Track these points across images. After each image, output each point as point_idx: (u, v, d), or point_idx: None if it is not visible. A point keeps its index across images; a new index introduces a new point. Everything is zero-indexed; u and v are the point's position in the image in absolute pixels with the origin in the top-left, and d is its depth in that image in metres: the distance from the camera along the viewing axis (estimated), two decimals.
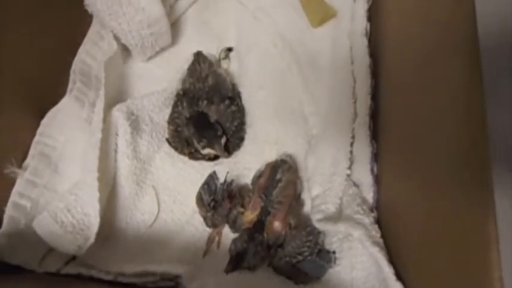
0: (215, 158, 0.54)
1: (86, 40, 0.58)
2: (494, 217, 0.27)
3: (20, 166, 0.50)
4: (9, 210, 0.48)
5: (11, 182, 0.49)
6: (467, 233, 0.29)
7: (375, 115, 0.49)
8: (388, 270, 0.37)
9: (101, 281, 0.47)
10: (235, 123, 0.54)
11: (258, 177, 0.49)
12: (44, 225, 0.47)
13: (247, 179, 0.52)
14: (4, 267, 0.47)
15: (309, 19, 0.61)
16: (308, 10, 0.61)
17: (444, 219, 0.32)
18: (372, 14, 0.54)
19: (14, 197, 0.49)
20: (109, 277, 0.47)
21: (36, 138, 0.52)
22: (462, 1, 0.33)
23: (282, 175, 0.47)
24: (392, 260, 0.39)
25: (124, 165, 0.52)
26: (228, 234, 0.49)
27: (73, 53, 0.56)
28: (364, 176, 0.46)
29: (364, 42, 0.52)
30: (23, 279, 0.47)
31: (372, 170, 0.46)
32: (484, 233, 0.27)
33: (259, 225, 0.45)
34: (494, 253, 0.26)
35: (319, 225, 0.43)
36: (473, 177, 0.29)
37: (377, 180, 0.46)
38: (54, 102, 0.53)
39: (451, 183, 0.32)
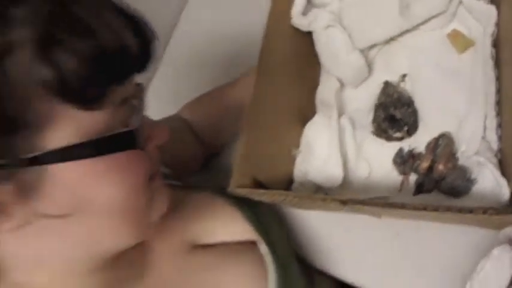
0: (401, 139, 0.90)
1: (320, 81, 1.06)
2: None
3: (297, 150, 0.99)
4: (296, 172, 0.96)
5: (294, 159, 0.98)
6: None
7: (499, 102, 0.81)
8: (500, 178, 0.71)
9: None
10: (412, 119, 0.90)
11: (428, 145, 0.85)
12: (314, 177, 0.94)
13: (421, 149, 0.89)
14: None
15: (456, 49, 0.95)
16: (455, 43, 0.95)
17: None
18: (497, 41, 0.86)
19: (297, 165, 0.97)
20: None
21: (303, 137, 1.01)
22: None
23: (442, 142, 0.82)
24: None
25: (350, 148, 0.95)
26: (412, 177, 0.86)
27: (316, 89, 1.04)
28: (492, 136, 0.79)
29: (491, 62, 0.83)
30: None
31: (497, 134, 0.78)
32: None
33: (431, 169, 0.81)
34: None
35: (466, 163, 0.78)
36: None
37: (500, 138, 0.78)
38: (311, 117, 1.00)
39: None
